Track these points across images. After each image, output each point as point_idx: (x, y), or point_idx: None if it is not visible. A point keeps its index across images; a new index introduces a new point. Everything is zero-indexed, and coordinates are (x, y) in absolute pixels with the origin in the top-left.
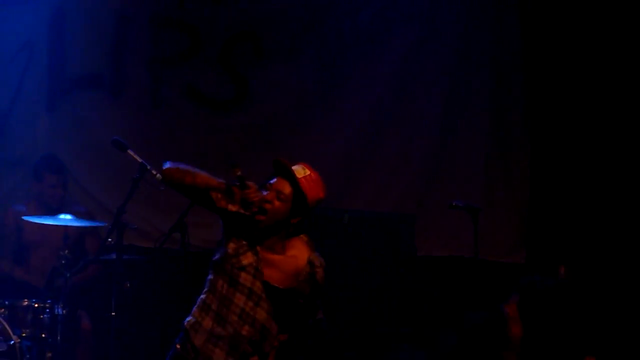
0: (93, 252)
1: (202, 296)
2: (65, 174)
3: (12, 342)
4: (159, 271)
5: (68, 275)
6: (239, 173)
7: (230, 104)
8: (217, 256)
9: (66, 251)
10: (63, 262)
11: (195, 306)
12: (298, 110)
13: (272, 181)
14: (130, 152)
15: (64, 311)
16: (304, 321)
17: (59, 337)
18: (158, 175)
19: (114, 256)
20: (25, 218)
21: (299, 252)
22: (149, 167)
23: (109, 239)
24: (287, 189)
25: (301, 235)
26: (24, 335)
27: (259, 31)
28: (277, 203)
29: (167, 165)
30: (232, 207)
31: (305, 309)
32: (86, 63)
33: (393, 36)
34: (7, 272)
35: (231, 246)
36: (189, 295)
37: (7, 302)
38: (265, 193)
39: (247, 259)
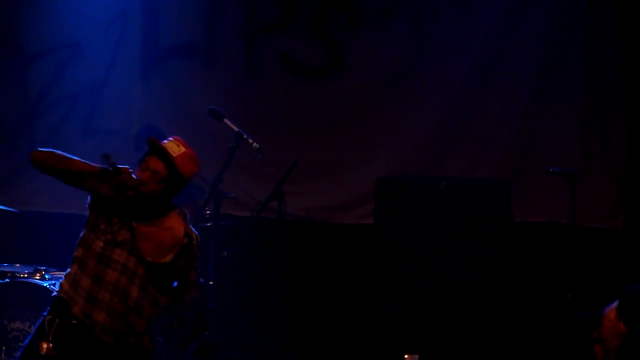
0: (191, 220)
1: (70, 270)
2: None
3: None
4: (256, 240)
5: None
6: (111, 160)
7: (325, 71)
8: (83, 232)
9: None
10: None
11: (64, 279)
12: (392, 77)
13: (146, 159)
14: (226, 121)
15: None
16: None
17: None
18: (255, 144)
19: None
20: None
21: (174, 224)
22: (245, 136)
23: (206, 209)
24: (162, 170)
25: (175, 207)
26: None
27: None
28: (152, 185)
29: (38, 150)
30: (108, 192)
31: (180, 279)
32: (180, 32)
33: (488, 2)
34: None
35: (103, 223)
36: (286, 263)
37: None
38: (140, 173)
39: (122, 236)
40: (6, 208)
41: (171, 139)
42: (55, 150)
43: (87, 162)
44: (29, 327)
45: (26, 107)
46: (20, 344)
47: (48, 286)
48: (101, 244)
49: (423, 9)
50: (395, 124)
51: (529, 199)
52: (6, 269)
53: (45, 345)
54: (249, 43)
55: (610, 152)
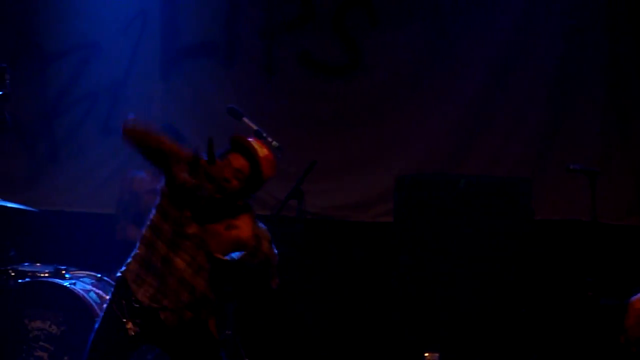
0: None
1: (138, 252)
2: (184, 143)
3: None
4: (276, 238)
5: None
6: (212, 148)
7: (344, 70)
8: (155, 215)
9: None
10: None
11: (132, 260)
12: (411, 76)
13: (229, 156)
14: (245, 119)
15: None
16: (253, 290)
17: None
18: (274, 142)
19: None
20: None
21: (242, 224)
22: (264, 135)
23: None
24: (246, 168)
25: (244, 204)
26: None
27: None
28: (234, 182)
29: (132, 120)
30: (189, 181)
31: (251, 279)
32: (199, 31)
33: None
34: (134, 237)
35: (176, 213)
36: (306, 261)
37: None
38: (221, 169)
39: (192, 229)
40: (26, 207)
41: (253, 139)
42: (146, 125)
43: (178, 144)
44: (50, 326)
45: (46, 106)
46: (41, 343)
47: (68, 285)
48: (171, 230)
49: (442, 7)
50: (414, 122)
51: (549, 196)
52: (27, 269)
53: (131, 326)
54: (268, 42)
55: (630, 149)
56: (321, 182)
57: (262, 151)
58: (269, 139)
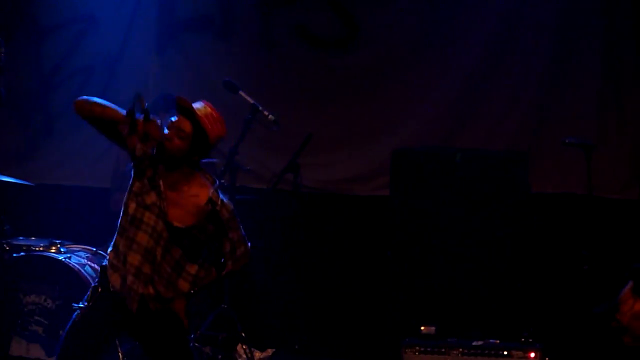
0: None
1: (114, 240)
2: None
3: None
4: (272, 212)
5: None
6: (142, 101)
7: (341, 43)
8: (126, 197)
9: None
10: None
11: (110, 249)
12: (408, 49)
13: (173, 119)
14: (241, 93)
15: None
16: (213, 259)
17: None
18: (270, 116)
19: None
20: None
21: (200, 190)
22: (260, 108)
23: (222, 180)
24: (187, 127)
25: (205, 174)
26: None
27: None
28: (176, 141)
29: (80, 98)
30: (138, 146)
31: (210, 247)
32: (195, 5)
33: None
34: None
35: (136, 185)
36: (302, 234)
37: None
38: (166, 131)
39: (151, 198)
40: (21, 181)
41: (201, 102)
42: (95, 98)
43: (121, 111)
44: (45, 300)
45: (42, 80)
46: (36, 317)
47: (63, 259)
48: (134, 205)
49: None
50: (410, 96)
51: (545, 170)
52: (21, 243)
53: (79, 309)
54: (264, 15)
55: (626, 122)
56: (318, 155)
57: (203, 110)
58: (265, 112)
